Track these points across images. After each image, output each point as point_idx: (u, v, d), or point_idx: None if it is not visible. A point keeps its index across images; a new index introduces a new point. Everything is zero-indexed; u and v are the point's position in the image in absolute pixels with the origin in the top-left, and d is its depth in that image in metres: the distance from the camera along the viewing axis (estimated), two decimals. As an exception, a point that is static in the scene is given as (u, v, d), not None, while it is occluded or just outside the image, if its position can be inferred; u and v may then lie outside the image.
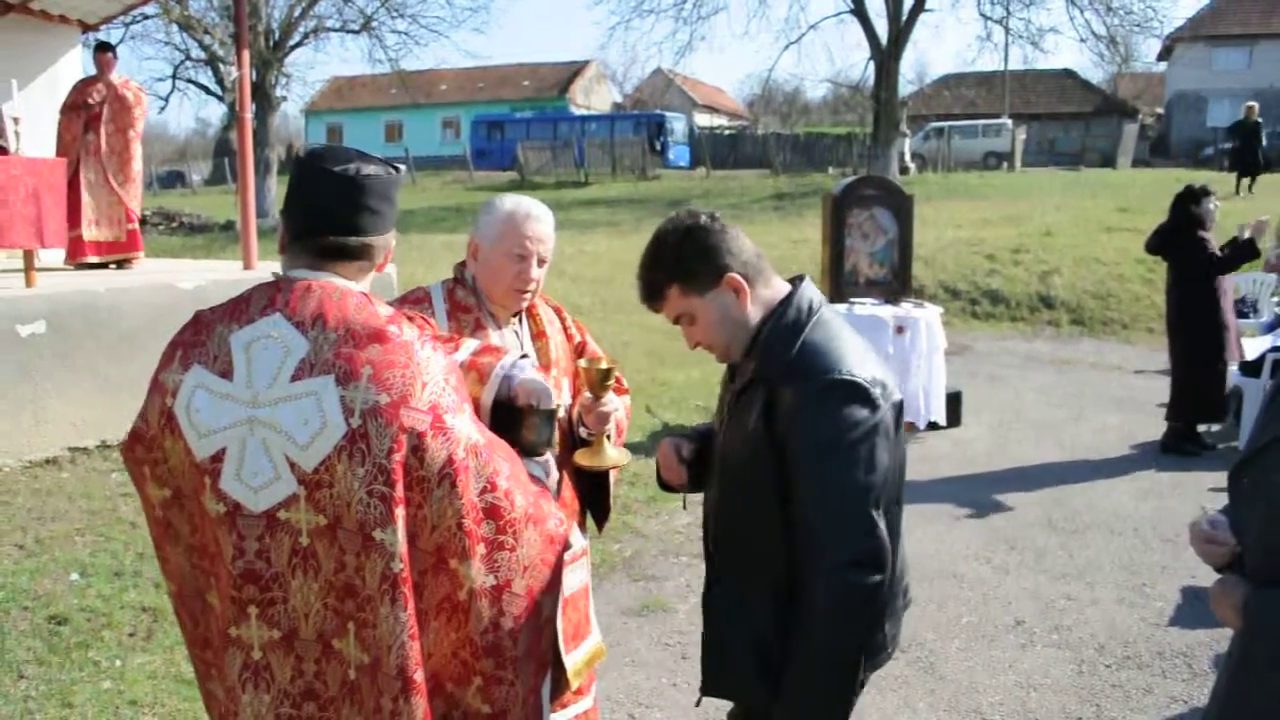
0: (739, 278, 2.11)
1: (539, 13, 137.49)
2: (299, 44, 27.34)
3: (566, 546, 2.01)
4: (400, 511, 1.74)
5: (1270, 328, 9.15)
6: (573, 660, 2.69)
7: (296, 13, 26.31)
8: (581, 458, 2.60)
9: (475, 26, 54.70)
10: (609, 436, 2.61)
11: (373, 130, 51.53)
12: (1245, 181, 19.70)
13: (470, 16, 49.78)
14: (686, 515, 5.52)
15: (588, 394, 2.60)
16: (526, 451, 2.27)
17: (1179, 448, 7.58)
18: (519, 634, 1.87)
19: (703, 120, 51.21)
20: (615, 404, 2.63)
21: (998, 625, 4.84)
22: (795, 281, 2.20)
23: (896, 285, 8.15)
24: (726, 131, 44.95)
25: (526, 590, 1.89)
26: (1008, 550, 5.75)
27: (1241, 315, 9.94)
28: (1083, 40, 25.81)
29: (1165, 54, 44.55)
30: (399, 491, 1.74)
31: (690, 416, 8.32)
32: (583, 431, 2.68)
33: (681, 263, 2.10)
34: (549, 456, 2.36)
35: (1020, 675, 4.39)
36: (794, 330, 2.07)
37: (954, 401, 8.18)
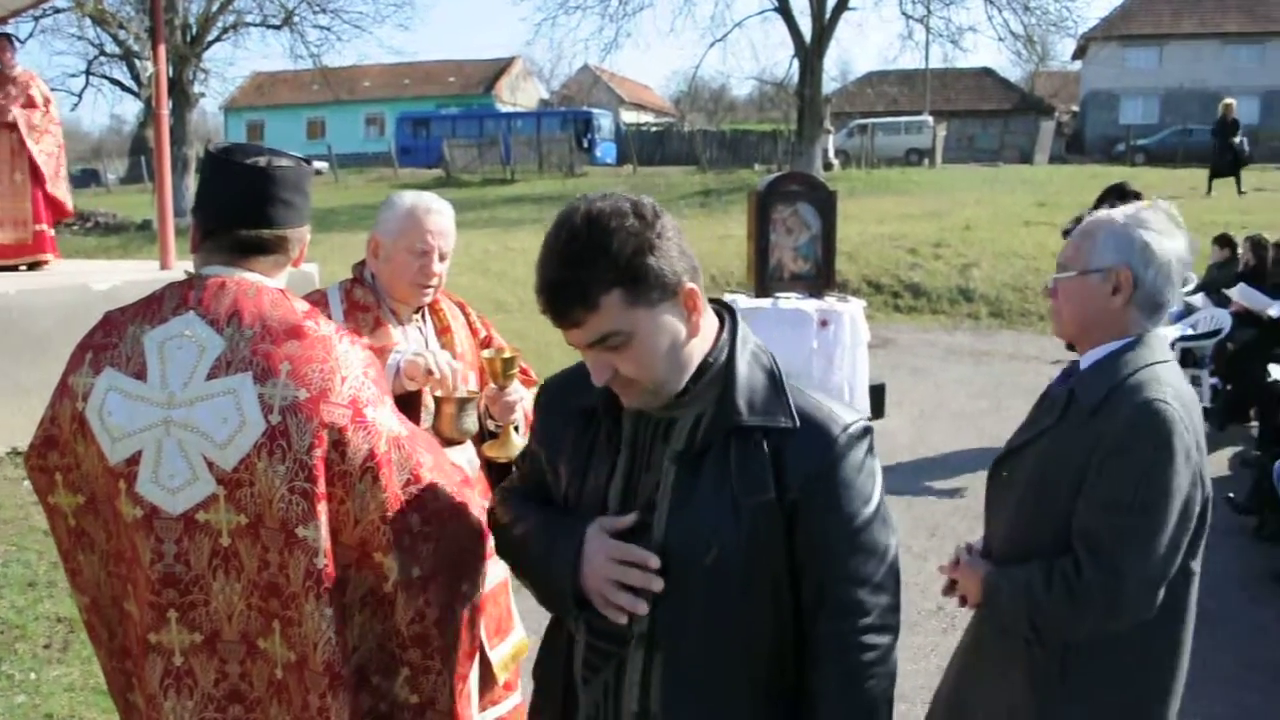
0: (697, 291, 1.59)
1: (464, 9, 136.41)
2: (218, 39, 26.78)
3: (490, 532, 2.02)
4: (322, 507, 1.74)
5: (1179, 317, 9.46)
6: (498, 655, 2.72)
7: (215, 7, 25.76)
8: (489, 449, 2.62)
9: (399, 22, 54.38)
10: (516, 427, 2.63)
11: (294, 127, 50.63)
12: (1223, 181, 19.59)
13: (394, 12, 49.01)
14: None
15: (492, 384, 2.61)
16: (448, 441, 2.28)
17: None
18: (445, 623, 1.87)
19: (630, 117, 51.25)
20: (521, 393, 2.65)
21: (920, 611, 4.94)
22: (721, 307, 1.73)
23: (820, 280, 8.27)
24: (653, 128, 45.02)
25: (452, 579, 1.90)
26: (928, 537, 5.87)
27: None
28: (1001, 39, 26.40)
29: (1080, 53, 45.79)
30: (320, 487, 1.73)
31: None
32: (490, 424, 2.71)
33: (635, 258, 1.50)
34: (470, 445, 2.38)
35: (942, 659, 4.45)
36: (770, 372, 1.64)
37: (877, 393, 8.32)
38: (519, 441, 2.62)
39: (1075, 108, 49.32)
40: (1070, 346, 2.39)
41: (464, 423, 2.31)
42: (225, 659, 1.82)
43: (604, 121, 40.37)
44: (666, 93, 67.46)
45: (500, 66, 53.94)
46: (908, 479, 6.89)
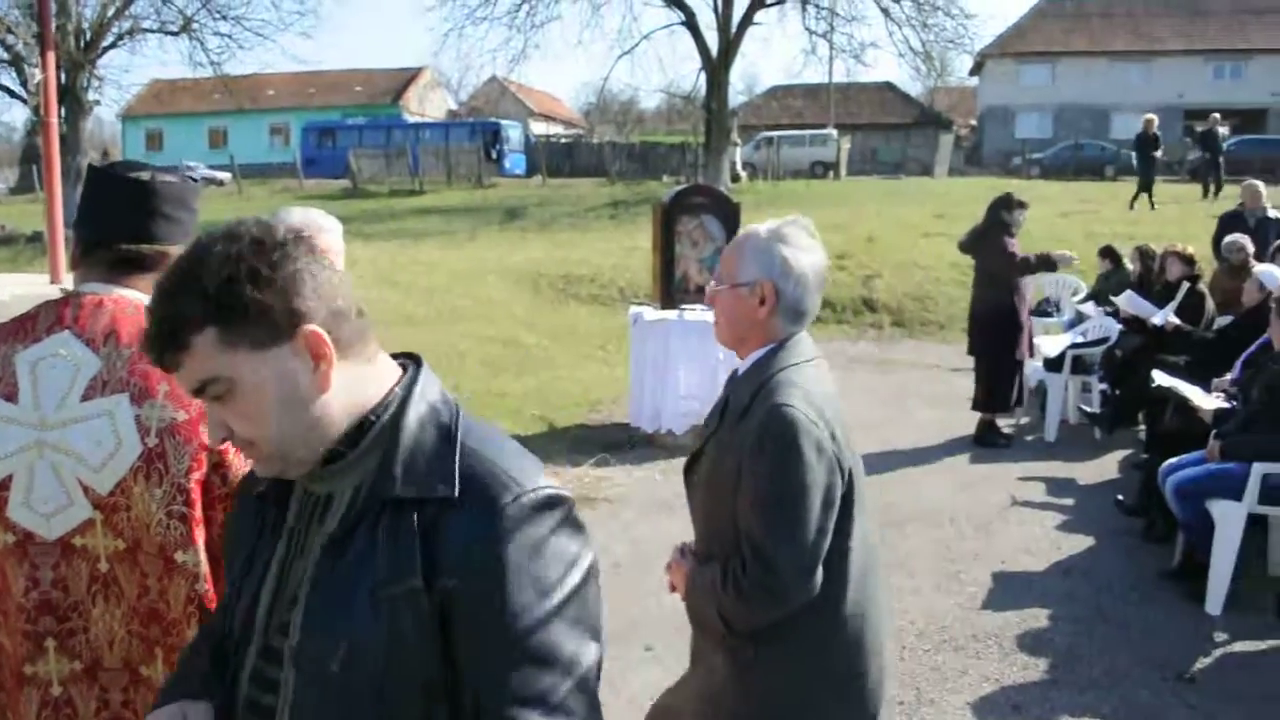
0: (322, 335, 1.28)
1: (370, 18, 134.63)
2: (113, 45, 26.05)
3: None
4: (200, 532, 1.70)
5: (1071, 325, 9.79)
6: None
7: (110, 12, 25.05)
8: None
9: (303, 31, 53.78)
10: None
11: (195, 136, 49.49)
12: (1144, 196, 19.70)
13: (298, 20, 48.22)
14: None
15: None
16: None
17: (990, 440, 8.02)
18: None
19: (539, 128, 51.23)
20: None
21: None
22: (404, 361, 1.44)
23: (726, 291, 8.33)
24: (563, 140, 45.08)
25: None
26: (834, 545, 5.95)
27: (1045, 314, 10.61)
28: (901, 55, 27.15)
29: (977, 69, 47.18)
30: (198, 511, 1.70)
31: (528, 426, 8.30)
32: None
33: (228, 288, 1.23)
34: None
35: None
36: (445, 429, 1.34)
37: (783, 403, 8.41)
38: None
39: (973, 122, 50.76)
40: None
41: None
42: (107, 687, 1.76)
43: (513, 133, 40.31)
44: (576, 104, 67.70)
45: (407, 76, 53.46)
46: (813, 487, 6.98)
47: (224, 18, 27.53)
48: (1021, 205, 7.97)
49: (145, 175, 1.81)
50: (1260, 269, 7.18)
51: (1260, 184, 10.62)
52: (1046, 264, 8.02)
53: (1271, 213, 10.16)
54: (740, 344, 2.31)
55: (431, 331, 11.75)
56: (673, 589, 2.41)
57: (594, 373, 10.56)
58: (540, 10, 26.70)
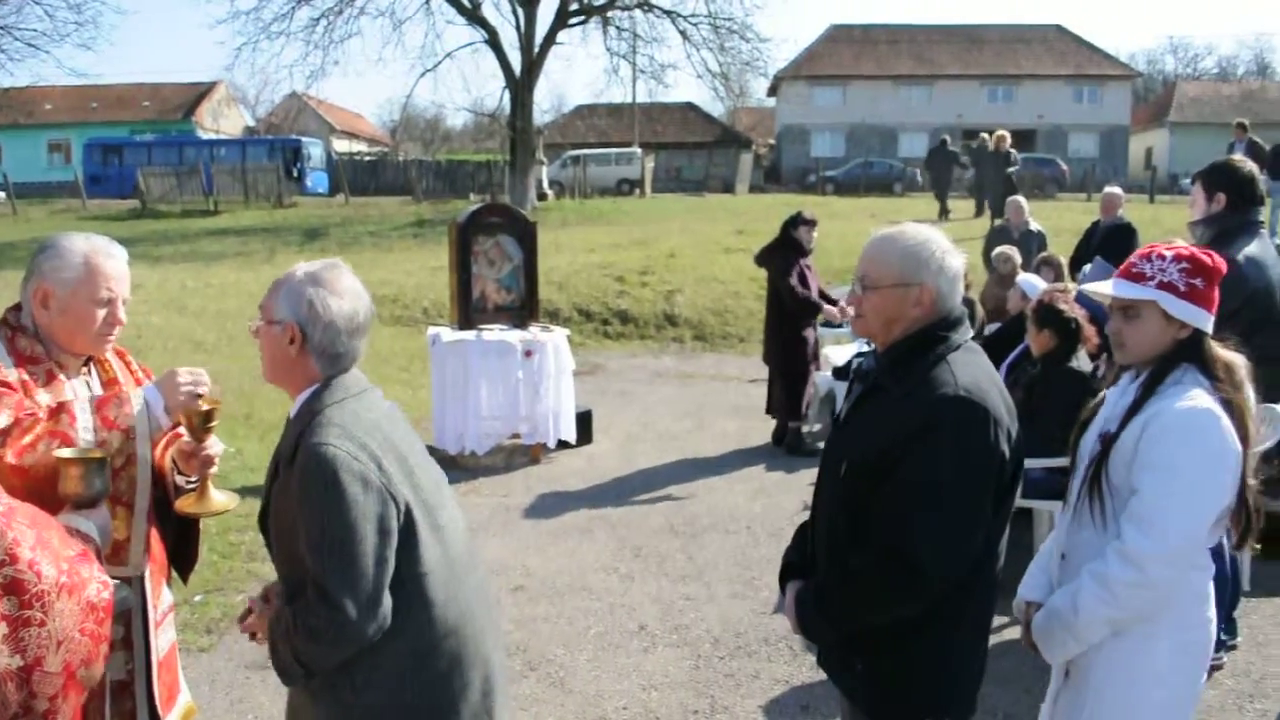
0: None
1: (158, 30, 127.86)
2: None
3: (111, 610, 1.88)
4: None
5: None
6: (171, 722, 2.60)
7: None
8: (186, 504, 2.51)
9: (81, 42, 49.79)
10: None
11: (-38, 153, 45.97)
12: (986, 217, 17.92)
13: (75, 31, 45.32)
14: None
15: (188, 438, 2.50)
16: (78, 505, 2.12)
17: (797, 446, 8.29)
18: (57, 714, 1.72)
19: (342, 146, 50.01)
20: (219, 447, 2.57)
21: (623, 632, 5.06)
22: None
23: (524, 310, 8.35)
24: (367, 157, 44.13)
25: (63, 666, 1.74)
26: (633, 558, 6.03)
27: (836, 325, 11.06)
28: (699, 76, 27.72)
29: (774, 91, 48.98)
30: None
31: (324, 452, 8.05)
32: (180, 479, 2.57)
33: None
34: (104, 509, 2.21)
35: (643, 677, 4.62)
36: None
37: (585, 420, 8.48)
38: (218, 496, 2.53)
39: (772, 141, 52.59)
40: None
41: (94, 484, 2.14)
42: None
43: (314, 150, 39.23)
44: (380, 121, 66.35)
45: (200, 91, 51.16)
46: (615, 501, 7.06)
47: (-10, 27, 25.73)
48: (809, 223, 8.35)
49: None
50: (1022, 279, 7.69)
51: (1023, 200, 11.42)
52: (809, 308, 8.18)
53: (1034, 226, 10.94)
54: (286, 384, 2.31)
55: (222, 357, 11.25)
56: (253, 638, 2.34)
57: (397, 395, 10.35)
58: (339, 26, 26.11)
